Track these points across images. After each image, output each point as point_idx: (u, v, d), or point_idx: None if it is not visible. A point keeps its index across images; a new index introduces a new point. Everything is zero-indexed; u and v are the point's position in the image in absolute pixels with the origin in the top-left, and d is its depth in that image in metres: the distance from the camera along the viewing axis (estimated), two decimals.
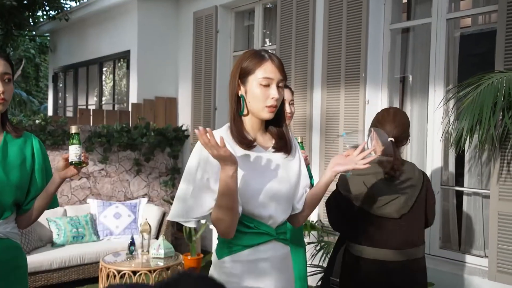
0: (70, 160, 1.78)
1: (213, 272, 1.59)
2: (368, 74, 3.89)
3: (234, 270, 1.53)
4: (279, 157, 1.65)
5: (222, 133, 1.58)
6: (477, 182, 3.59)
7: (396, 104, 4.08)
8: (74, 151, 1.77)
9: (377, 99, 3.94)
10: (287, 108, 2.40)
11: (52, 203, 1.92)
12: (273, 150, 1.65)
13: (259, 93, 1.56)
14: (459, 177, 3.81)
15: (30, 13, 8.28)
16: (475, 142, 3.02)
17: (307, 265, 3.50)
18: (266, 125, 1.67)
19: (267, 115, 1.58)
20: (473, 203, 3.65)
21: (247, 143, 1.59)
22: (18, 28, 8.57)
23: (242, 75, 1.59)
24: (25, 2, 8.00)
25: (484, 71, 2.87)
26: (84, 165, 1.80)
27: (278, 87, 1.58)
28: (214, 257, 1.61)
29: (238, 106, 1.61)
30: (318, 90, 4.23)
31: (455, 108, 2.75)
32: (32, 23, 8.87)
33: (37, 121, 5.05)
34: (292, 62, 4.49)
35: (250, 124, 1.63)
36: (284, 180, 1.62)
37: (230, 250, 1.55)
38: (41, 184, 1.89)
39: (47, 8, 8.00)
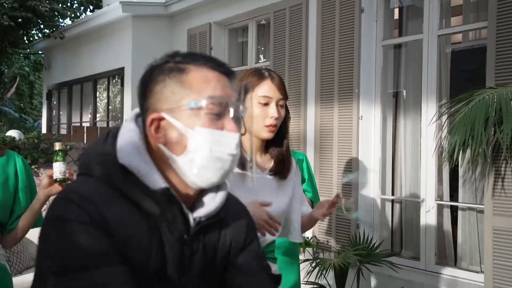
0: (54, 177, 1.76)
1: None
2: (361, 90, 3.91)
3: None
4: (273, 179, 1.64)
5: None
6: (472, 197, 3.59)
7: (390, 119, 4.09)
8: (58, 168, 1.76)
9: (370, 115, 3.96)
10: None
11: (37, 221, 1.90)
12: (269, 172, 1.64)
13: (258, 112, 1.54)
14: (453, 192, 3.81)
15: (25, 32, 8.31)
16: (468, 157, 3.03)
17: (303, 282, 3.48)
18: (268, 145, 1.65)
19: (266, 134, 1.57)
20: (468, 218, 3.64)
21: (243, 165, 1.57)
22: (12, 46, 8.60)
23: (242, 93, 1.58)
24: (19, 20, 8.05)
25: (475, 87, 2.90)
26: (68, 181, 1.78)
27: (278, 106, 1.57)
28: None
29: None
30: (312, 106, 4.25)
31: (447, 123, 2.77)
32: (26, 41, 8.90)
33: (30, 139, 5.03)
34: (285, 78, 4.51)
35: (248, 144, 1.61)
36: (276, 203, 1.61)
37: None
38: (25, 203, 1.87)
39: (42, 26, 8.04)
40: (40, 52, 9.90)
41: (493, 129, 2.37)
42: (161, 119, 0.93)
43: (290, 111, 4.35)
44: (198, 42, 5.66)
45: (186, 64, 0.95)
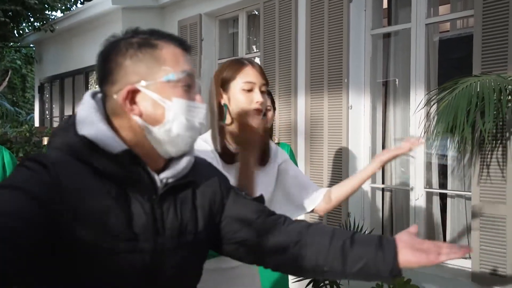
0: None
1: None
2: (350, 80, 3.93)
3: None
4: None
5: (209, 148, 1.59)
6: (460, 185, 3.64)
7: (379, 109, 4.12)
8: None
9: (360, 104, 3.98)
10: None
11: None
12: None
13: (243, 98, 1.54)
14: (443, 180, 3.85)
15: (15, 25, 8.25)
16: (457, 145, 3.06)
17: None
18: None
19: (254, 120, 1.56)
20: (456, 205, 3.69)
21: (229, 158, 1.57)
22: (3, 40, 8.54)
23: (223, 83, 1.57)
24: (9, 14, 8.00)
25: (463, 75, 2.92)
26: None
27: (261, 92, 1.57)
28: None
29: (221, 114, 1.59)
30: (302, 96, 4.27)
31: (431, 112, 2.80)
32: (17, 35, 8.84)
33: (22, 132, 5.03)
34: (276, 68, 4.52)
35: (232, 135, 1.60)
36: (261, 187, 1.63)
37: None
38: None
39: (32, 19, 7.99)
40: (31, 45, 9.84)
41: (479, 117, 2.39)
42: (136, 91, 0.97)
43: (280, 101, 4.39)
44: (188, 34, 5.64)
45: (156, 40, 1.00)
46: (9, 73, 13.34)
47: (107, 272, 0.92)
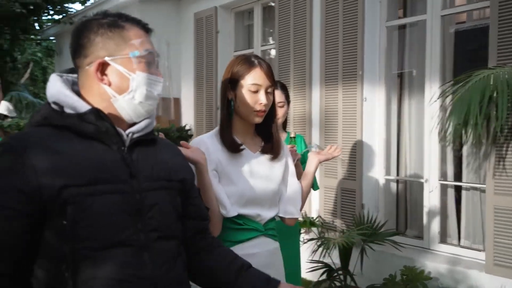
0: None
1: None
2: (365, 72, 3.93)
3: None
4: (265, 159, 1.72)
5: (208, 138, 1.66)
6: (476, 177, 3.62)
7: (394, 101, 4.11)
8: None
9: (374, 96, 3.98)
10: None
11: None
12: (260, 152, 1.72)
13: (248, 98, 1.63)
14: (458, 172, 3.85)
15: (35, 18, 8.41)
16: (471, 138, 3.06)
17: (308, 261, 3.57)
18: (257, 128, 1.74)
19: (256, 119, 1.66)
20: (471, 197, 3.68)
21: (235, 147, 1.66)
22: (24, 33, 8.72)
23: (232, 80, 1.66)
24: (31, 7, 8.15)
25: (479, 67, 2.90)
26: None
27: (266, 92, 1.65)
28: None
29: (228, 110, 1.68)
30: (317, 88, 4.28)
31: (445, 104, 2.79)
32: (38, 28, 9.01)
33: None
34: (290, 60, 4.54)
35: (239, 127, 1.70)
36: (269, 180, 1.69)
37: None
38: None
39: (52, 12, 8.12)
40: (51, 38, 10.01)
41: (493, 109, 2.38)
42: (106, 64, 1.15)
43: (295, 93, 4.41)
44: (204, 26, 5.69)
45: (123, 22, 1.18)
46: (30, 65, 13.60)
47: (96, 214, 1.07)
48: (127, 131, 1.18)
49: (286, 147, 1.85)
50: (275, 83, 2.57)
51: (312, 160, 2.01)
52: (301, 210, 1.87)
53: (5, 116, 5.68)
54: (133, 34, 1.16)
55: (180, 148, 1.48)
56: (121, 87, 1.15)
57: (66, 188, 1.04)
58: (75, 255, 1.04)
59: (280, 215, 1.79)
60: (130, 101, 1.15)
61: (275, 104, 1.74)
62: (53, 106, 1.14)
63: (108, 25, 1.16)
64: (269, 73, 1.65)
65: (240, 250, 1.60)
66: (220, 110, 1.72)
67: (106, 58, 1.13)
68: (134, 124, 1.20)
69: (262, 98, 1.62)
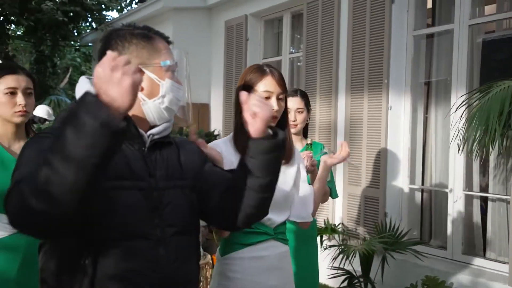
0: None
1: (216, 267, 1.74)
2: (390, 80, 3.94)
3: (234, 267, 1.67)
4: None
5: (222, 143, 1.74)
6: (502, 189, 3.57)
7: (420, 110, 4.10)
8: None
9: (400, 105, 3.98)
10: (292, 117, 2.51)
11: None
12: None
13: None
14: (484, 183, 3.79)
15: (75, 25, 8.77)
16: (496, 148, 3.03)
17: (330, 268, 3.60)
18: None
19: None
20: (497, 209, 3.62)
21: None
22: (64, 39, 9.10)
23: (245, 87, 1.73)
24: (71, 14, 8.51)
25: (505, 77, 2.87)
26: None
27: (278, 99, 1.71)
28: (217, 254, 1.75)
29: (241, 115, 1.74)
30: (343, 96, 4.31)
31: (465, 115, 2.78)
32: (76, 34, 9.39)
33: None
34: (317, 68, 4.59)
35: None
36: (280, 185, 1.75)
37: (232, 248, 1.69)
38: None
39: (90, 20, 8.46)
40: (89, 44, 10.40)
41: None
42: (140, 71, 1.20)
43: (321, 101, 4.45)
44: (234, 33, 5.81)
45: (153, 34, 1.30)
46: (70, 70, 14.12)
47: (120, 206, 1.16)
48: (148, 133, 1.27)
49: (298, 153, 1.90)
50: (295, 90, 2.64)
51: (321, 164, 2.04)
52: (314, 214, 1.92)
53: (45, 120, 5.96)
54: (161, 46, 1.28)
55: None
56: (152, 92, 1.24)
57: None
58: (97, 244, 1.13)
59: (292, 219, 1.84)
60: (158, 105, 1.25)
61: (287, 111, 1.80)
62: None
63: (141, 35, 1.26)
64: (281, 81, 1.72)
65: (250, 252, 1.67)
66: (234, 117, 1.79)
67: (140, 66, 1.21)
68: (153, 126, 1.29)
69: (273, 104, 1.69)
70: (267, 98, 1.69)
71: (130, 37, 1.25)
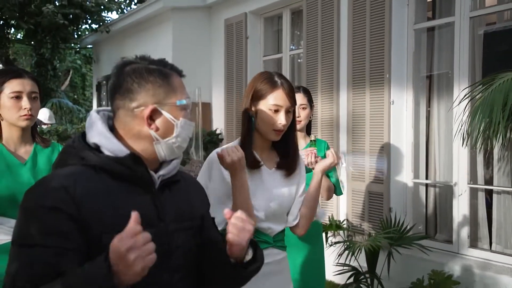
0: None
1: None
2: (392, 75, 3.92)
3: None
4: (280, 175, 1.77)
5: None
6: (507, 181, 3.55)
7: (423, 103, 4.08)
8: None
9: (402, 99, 3.97)
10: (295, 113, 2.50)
11: None
12: (276, 168, 1.77)
13: (268, 117, 1.68)
14: (489, 176, 3.77)
15: (75, 27, 8.77)
16: (500, 141, 3.01)
17: (335, 264, 3.59)
18: (274, 144, 1.79)
19: (274, 137, 1.71)
20: (503, 201, 3.61)
21: (255, 164, 1.72)
22: (64, 42, 9.10)
23: (255, 97, 1.71)
24: (70, 16, 8.51)
25: (508, 69, 2.85)
26: None
27: (287, 112, 1.70)
28: None
29: (249, 124, 1.74)
30: (344, 92, 4.30)
31: (468, 108, 2.76)
32: (76, 36, 9.39)
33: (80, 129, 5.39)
34: (318, 64, 4.58)
35: (258, 143, 1.75)
36: (283, 197, 1.75)
37: None
38: None
39: (89, 21, 8.45)
40: (89, 46, 10.40)
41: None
42: (156, 111, 1.20)
43: (322, 97, 4.44)
44: (234, 32, 5.80)
45: (169, 70, 1.24)
46: (70, 72, 14.14)
47: None
48: (158, 174, 1.23)
49: (302, 163, 1.88)
50: (298, 87, 2.63)
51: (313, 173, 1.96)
52: (314, 213, 1.91)
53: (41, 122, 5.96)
54: (177, 83, 1.23)
55: (218, 158, 1.61)
56: (166, 133, 1.20)
57: (106, 234, 1.08)
58: None
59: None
60: (171, 144, 1.21)
61: (295, 120, 1.78)
62: (92, 141, 1.19)
63: (158, 72, 1.21)
64: (291, 94, 1.70)
65: None
66: (241, 126, 1.77)
67: (156, 105, 1.18)
68: (162, 163, 1.26)
69: (282, 118, 1.67)
70: (276, 111, 1.68)
71: (147, 74, 1.20)
